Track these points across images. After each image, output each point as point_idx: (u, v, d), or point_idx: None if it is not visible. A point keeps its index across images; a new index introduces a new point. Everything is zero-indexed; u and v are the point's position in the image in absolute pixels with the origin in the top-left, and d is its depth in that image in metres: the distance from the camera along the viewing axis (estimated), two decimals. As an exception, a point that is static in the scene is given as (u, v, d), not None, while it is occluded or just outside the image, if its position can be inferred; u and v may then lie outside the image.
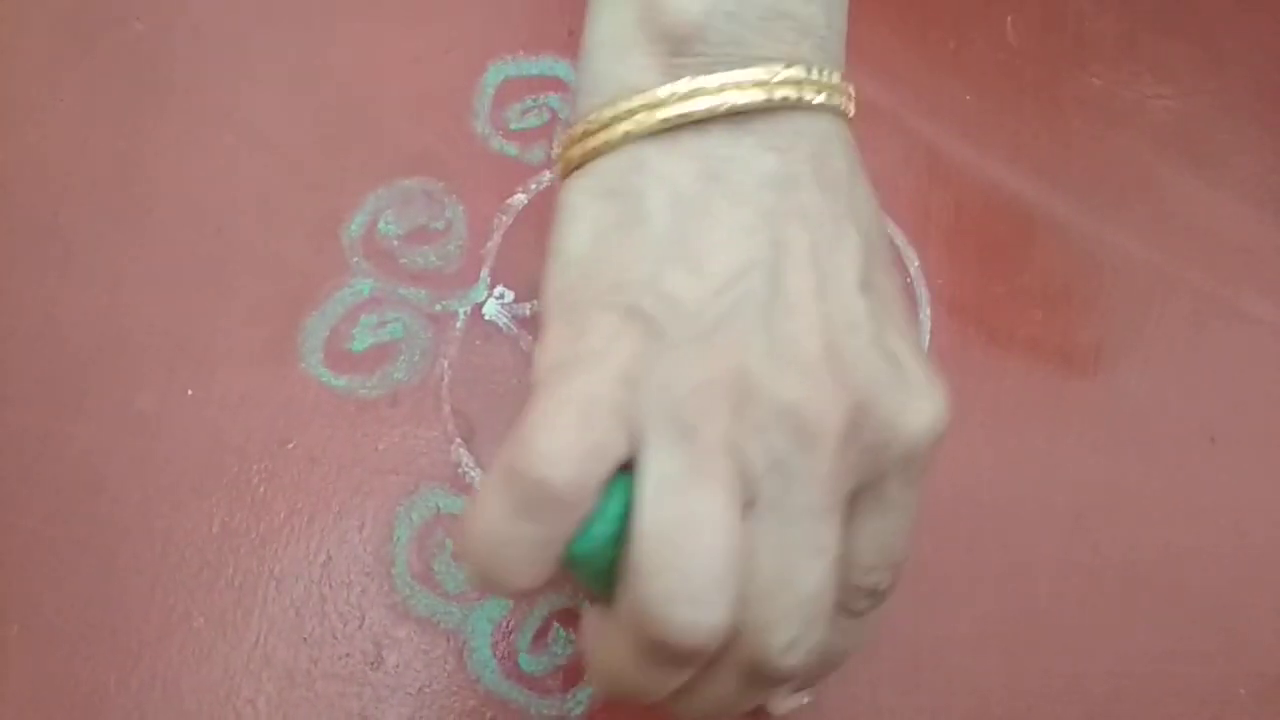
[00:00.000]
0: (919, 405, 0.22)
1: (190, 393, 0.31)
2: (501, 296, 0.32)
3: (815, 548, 0.21)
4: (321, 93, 0.35)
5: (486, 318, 0.32)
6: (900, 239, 0.34)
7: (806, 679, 0.25)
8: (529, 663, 0.29)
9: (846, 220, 0.23)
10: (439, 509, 0.30)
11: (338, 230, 0.33)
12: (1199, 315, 0.34)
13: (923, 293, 0.34)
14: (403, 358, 0.32)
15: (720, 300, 0.22)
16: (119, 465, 0.30)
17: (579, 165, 0.24)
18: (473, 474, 0.30)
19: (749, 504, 0.21)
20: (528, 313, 0.32)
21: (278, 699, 0.28)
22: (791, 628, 0.21)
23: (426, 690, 0.29)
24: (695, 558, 0.20)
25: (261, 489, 0.30)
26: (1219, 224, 0.36)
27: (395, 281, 0.32)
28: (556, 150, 0.25)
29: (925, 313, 0.33)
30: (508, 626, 0.29)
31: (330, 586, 0.29)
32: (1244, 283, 0.35)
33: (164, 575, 0.29)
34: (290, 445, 0.31)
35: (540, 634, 0.29)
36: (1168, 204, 0.36)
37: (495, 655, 0.29)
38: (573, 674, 0.29)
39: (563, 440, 0.21)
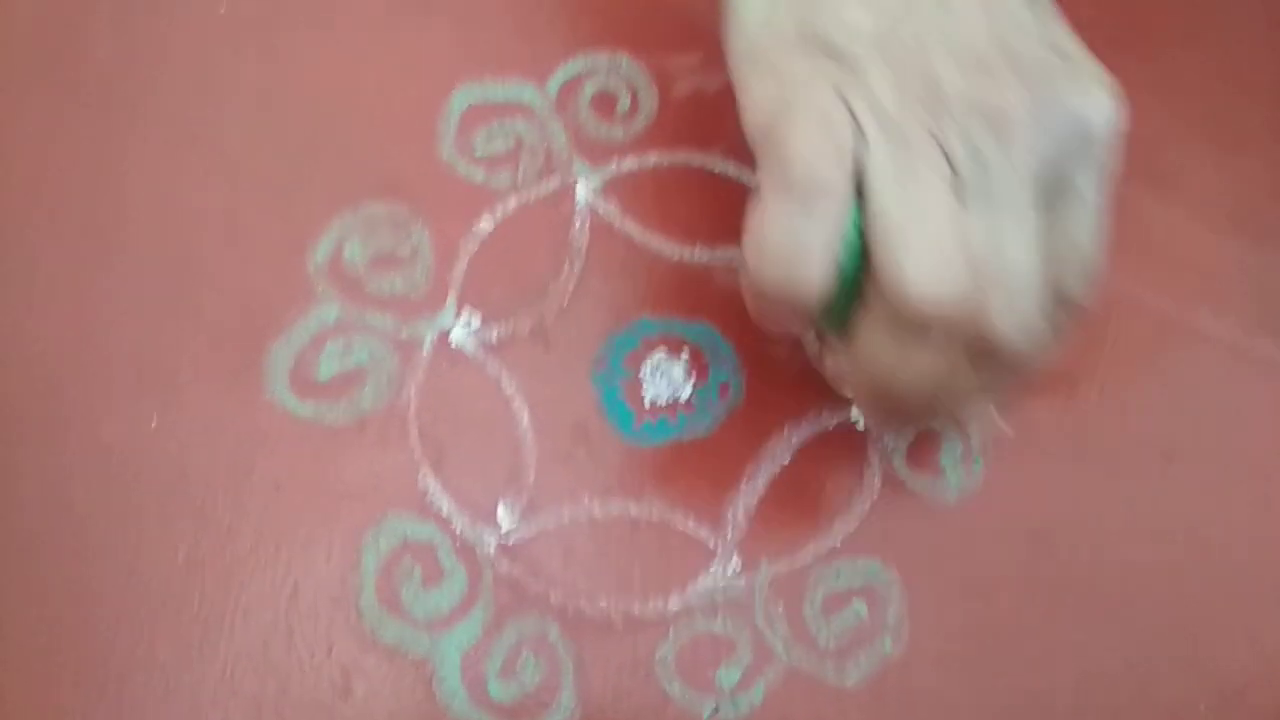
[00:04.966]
0: (1093, 91, 0.26)
1: (155, 420, 0.31)
2: (468, 322, 0.32)
3: (1020, 226, 0.25)
4: (287, 117, 0.34)
5: (453, 343, 0.32)
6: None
7: (1004, 393, 0.29)
8: (498, 690, 0.29)
9: None
10: (406, 536, 0.30)
11: (303, 256, 0.33)
12: (1156, 335, 0.35)
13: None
14: (369, 384, 0.32)
15: (895, 23, 0.26)
16: (83, 494, 0.30)
17: None
18: (441, 500, 0.31)
19: (959, 192, 0.25)
20: (494, 338, 0.32)
21: (245, 730, 0.28)
22: (1008, 299, 0.25)
23: (396, 719, 0.29)
24: (929, 226, 0.25)
25: (227, 518, 0.30)
26: (1174, 244, 0.36)
27: (361, 307, 0.32)
28: None
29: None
30: (476, 654, 0.29)
31: (298, 616, 0.29)
32: (1200, 302, 0.35)
33: (129, 606, 0.29)
34: (255, 473, 0.31)
35: (509, 661, 0.29)
36: (1124, 224, 0.36)
37: (464, 683, 0.29)
38: (546, 695, 0.29)
39: (818, 140, 0.25)
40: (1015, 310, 0.25)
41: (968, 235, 0.25)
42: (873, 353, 0.26)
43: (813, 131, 0.25)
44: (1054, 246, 0.26)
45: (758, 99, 0.27)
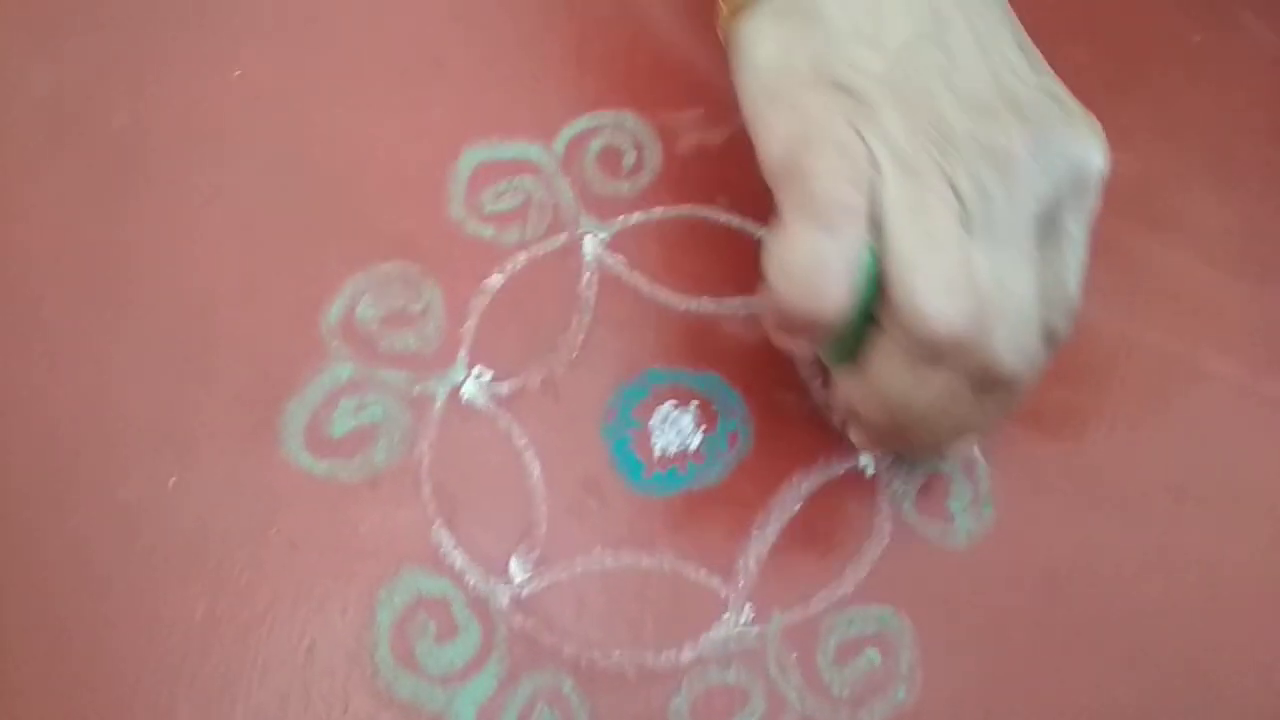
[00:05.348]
0: (1085, 135, 0.27)
1: (173, 480, 0.31)
2: (480, 376, 0.33)
3: (1021, 261, 0.26)
4: (299, 180, 0.35)
5: (465, 398, 0.33)
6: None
7: (994, 425, 0.30)
8: (513, 744, 0.29)
9: None
10: (420, 591, 0.30)
11: (317, 315, 0.33)
12: (1162, 375, 0.35)
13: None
14: (383, 440, 0.32)
15: (902, 66, 0.27)
16: (104, 554, 0.30)
17: (747, 6, 0.30)
18: (454, 555, 0.31)
19: (966, 225, 0.26)
20: (505, 392, 0.33)
21: (263, 788, 0.28)
22: (1011, 330, 0.26)
23: (411, 775, 0.29)
24: (941, 254, 0.26)
25: (244, 576, 0.30)
26: (1180, 284, 0.37)
27: (374, 365, 0.33)
28: (724, 7, 0.31)
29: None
30: (491, 708, 0.29)
31: (314, 673, 0.29)
32: (1205, 342, 0.35)
33: (149, 665, 0.29)
34: (272, 531, 0.31)
35: (524, 715, 0.29)
36: (1128, 266, 0.37)
37: (479, 738, 0.29)
38: (557, 753, 0.29)
39: (836, 165, 0.26)
40: (1017, 339, 0.26)
41: (974, 266, 0.26)
42: (887, 380, 0.27)
43: (833, 158, 0.26)
44: (1041, 284, 0.27)
45: (777, 133, 0.28)
